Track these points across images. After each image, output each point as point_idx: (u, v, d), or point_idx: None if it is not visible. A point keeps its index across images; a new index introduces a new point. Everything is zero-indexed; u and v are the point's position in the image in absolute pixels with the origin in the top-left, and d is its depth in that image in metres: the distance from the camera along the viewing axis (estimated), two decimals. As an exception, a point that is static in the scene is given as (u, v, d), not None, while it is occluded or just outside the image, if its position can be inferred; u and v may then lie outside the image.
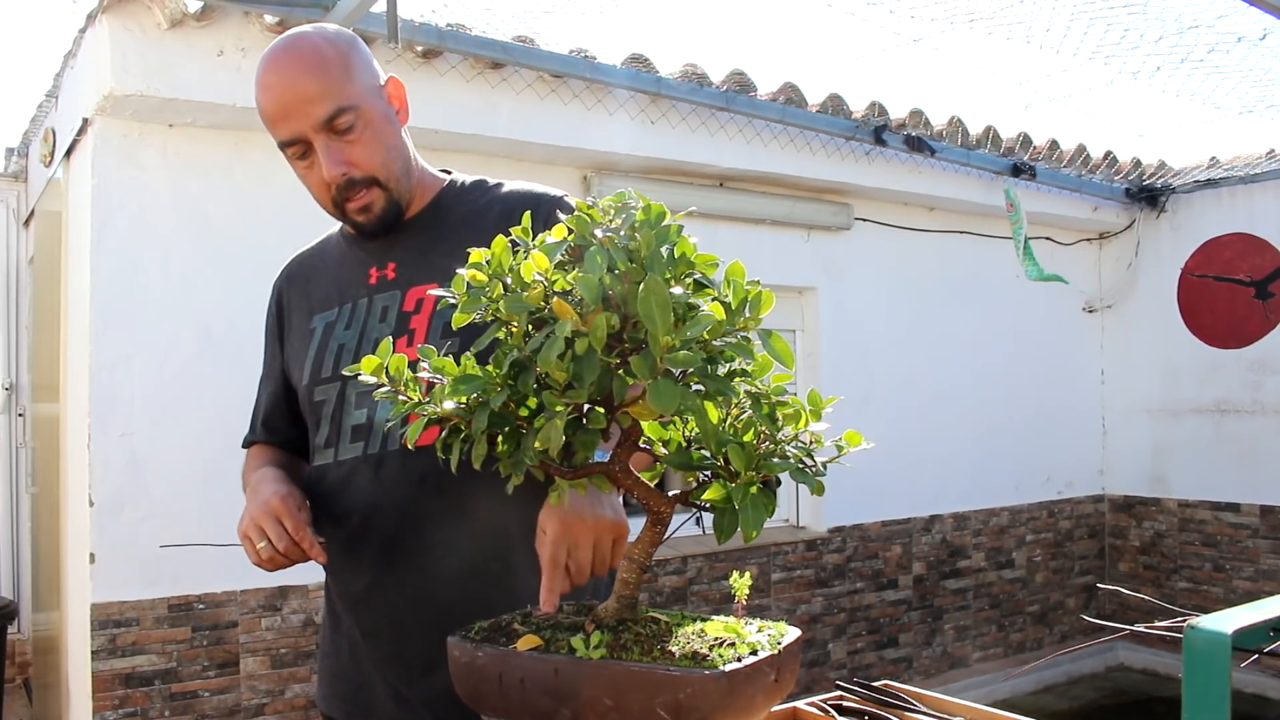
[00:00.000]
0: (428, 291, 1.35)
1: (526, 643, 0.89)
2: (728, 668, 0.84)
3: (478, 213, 1.43)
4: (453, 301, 0.91)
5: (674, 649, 0.88)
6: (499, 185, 1.50)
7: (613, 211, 0.87)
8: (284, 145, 1.33)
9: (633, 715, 0.84)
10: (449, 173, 1.55)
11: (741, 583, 1.06)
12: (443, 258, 1.33)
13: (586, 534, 1.13)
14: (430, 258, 1.39)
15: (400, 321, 1.37)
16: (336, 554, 1.38)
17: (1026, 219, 5.05)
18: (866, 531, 5.03)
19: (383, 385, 0.93)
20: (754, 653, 0.90)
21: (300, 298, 1.53)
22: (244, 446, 1.61)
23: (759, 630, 0.97)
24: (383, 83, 1.43)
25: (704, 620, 0.98)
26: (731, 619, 1.00)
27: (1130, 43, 3.68)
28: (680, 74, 3.95)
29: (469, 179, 1.53)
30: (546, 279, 0.87)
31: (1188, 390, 5.78)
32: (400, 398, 0.93)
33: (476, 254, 0.91)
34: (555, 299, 0.84)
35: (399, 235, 1.44)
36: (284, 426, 1.54)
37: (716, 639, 0.92)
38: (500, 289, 0.88)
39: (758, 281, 0.87)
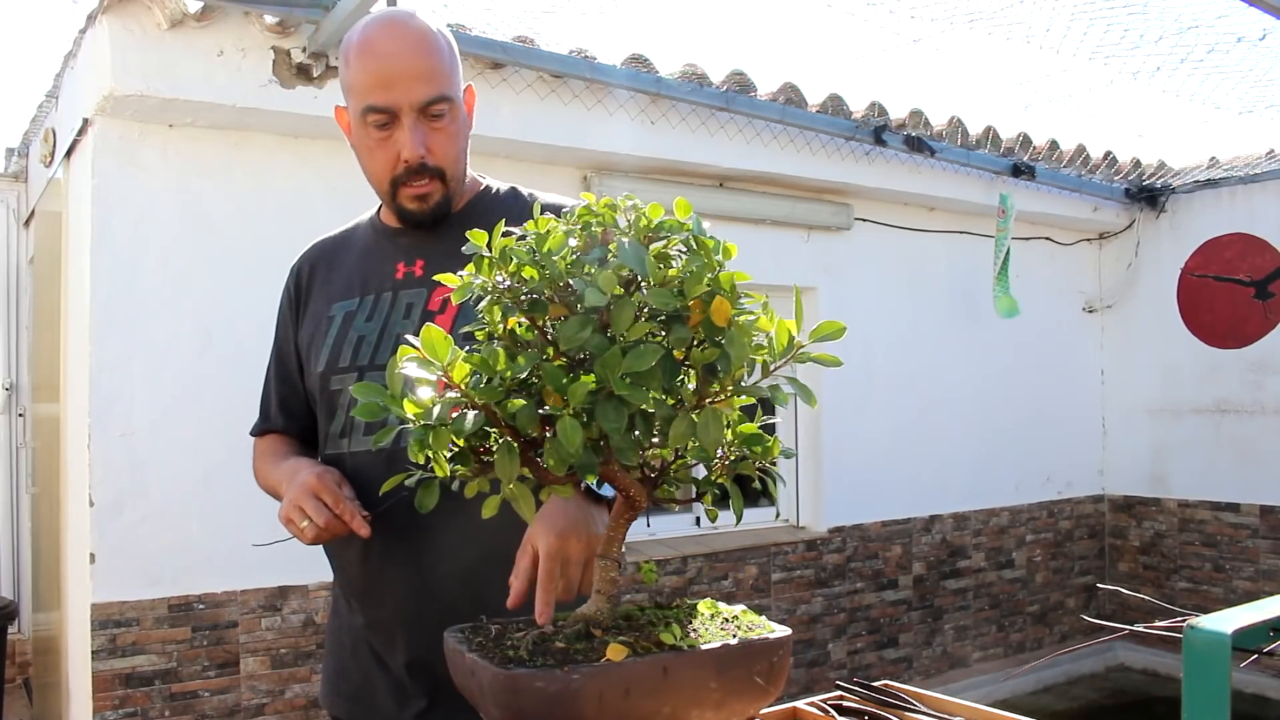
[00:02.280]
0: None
1: (617, 652, 0.85)
2: (783, 630, 0.91)
3: (511, 221, 1.44)
4: (473, 283, 0.89)
5: (711, 628, 0.92)
6: (532, 195, 1.52)
7: (634, 213, 0.87)
8: (370, 110, 1.34)
9: (732, 690, 0.87)
10: (484, 178, 1.57)
11: (648, 570, 1.06)
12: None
13: (580, 552, 1.13)
14: (461, 261, 1.39)
15: (423, 319, 1.38)
16: (342, 544, 1.38)
17: (1025, 223, 5.06)
18: (866, 531, 5.03)
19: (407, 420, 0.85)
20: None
21: (321, 284, 1.54)
22: (254, 434, 1.60)
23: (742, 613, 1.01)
24: (465, 88, 1.45)
25: (665, 609, 0.99)
26: (706, 600, 1.03)
27: (1130, 43, 3.68)
28: (680, 74, 3.95)
29: (504, 186, 1.56)
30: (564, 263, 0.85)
31: (1188, 390, 5.79)
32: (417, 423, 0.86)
33: (478, 235, 0.89)
34: (597, 273, 0.82)
35: (432, 234, 1.45)
36: (300, 413, 1.54)
37: (723, 615, 0.97)
38: (530, 268, 0.86)
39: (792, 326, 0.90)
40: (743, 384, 0.88)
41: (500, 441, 0.85)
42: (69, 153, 3.49)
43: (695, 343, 0.85)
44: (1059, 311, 5.95)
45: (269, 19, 3.07)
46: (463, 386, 0.83)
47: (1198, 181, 5.68)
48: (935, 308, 5.30)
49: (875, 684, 1.30)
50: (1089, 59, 3.85)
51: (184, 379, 3.24)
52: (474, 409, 0.83)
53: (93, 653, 3.09)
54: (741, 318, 0.86)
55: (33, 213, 4.63)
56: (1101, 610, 6.07)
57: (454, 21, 3.37)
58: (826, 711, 1.22)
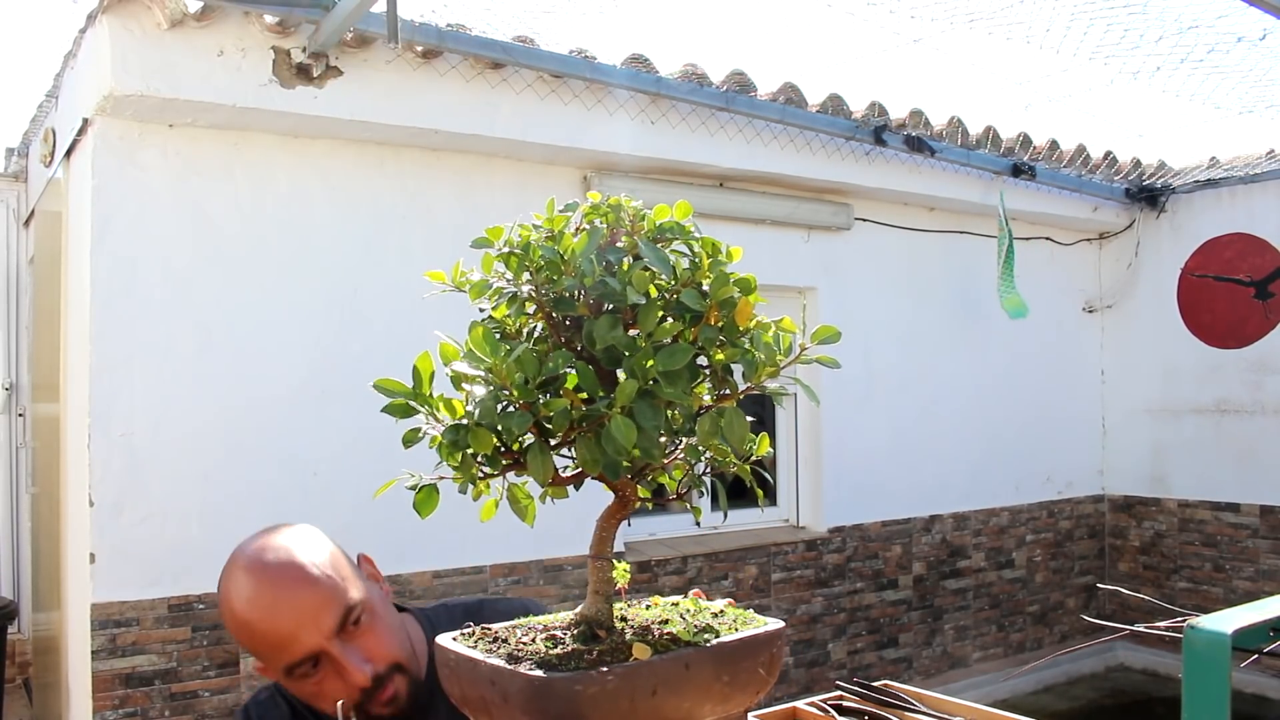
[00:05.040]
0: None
1: (643, 651, 0.84)
2: (776, 622, 0.93)
3: (476, 621, 1.37)
4: (489, 281, 0.88)
5: (710, 623, 0.94)
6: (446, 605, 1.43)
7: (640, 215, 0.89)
8: (292, 669, 1.21)
9: (738, 683, 0.89)
10: (403, 608, 1.43)
11: (622, 571, 1.06)
12: None
13: None
14: None
15: None
16: None
17: (1025, 223, 5.06)
18: (866, 531, 5.03)
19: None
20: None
21: None
22: None
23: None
24: (356, 561, 1.34)
25: (653, 607, 1.01)
26: (690, 597, 1.06)
27: (1130, 43, 3.68)
28: (680, 74, 3.95)
29: (438, 613, 1.42)
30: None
31: (1188, 390, 5.78)
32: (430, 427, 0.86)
33: (494, 231, 0.89)
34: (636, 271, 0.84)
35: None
36: None
37: (709, 610, 0.99)
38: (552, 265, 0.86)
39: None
40: (749, 384, 0.88)
41: (533, 442, 0.84)
42: (69, 152, 3.49)
43: (718, 343, 0.87)
44: (1059, 311, 5.95)
45: (269, 19, 3.07)
46: (511, 385, 0.82)
47: (1198, 181, 5.68)
48: (935, 308, 5.30)
49: (875, 684, 1.30)
50: (1089, 59, 3.85)
51: (184, 379, 3.24)
52: (522, 408, 0.82)
53: (93, 653, 3.09)
54: (760, 319, 0.88)
55: (33, 213, 4.63)
56: (1101, 610, 6.07)
57: (454, 21, 3.37)
58: (826, 711, 1.22)
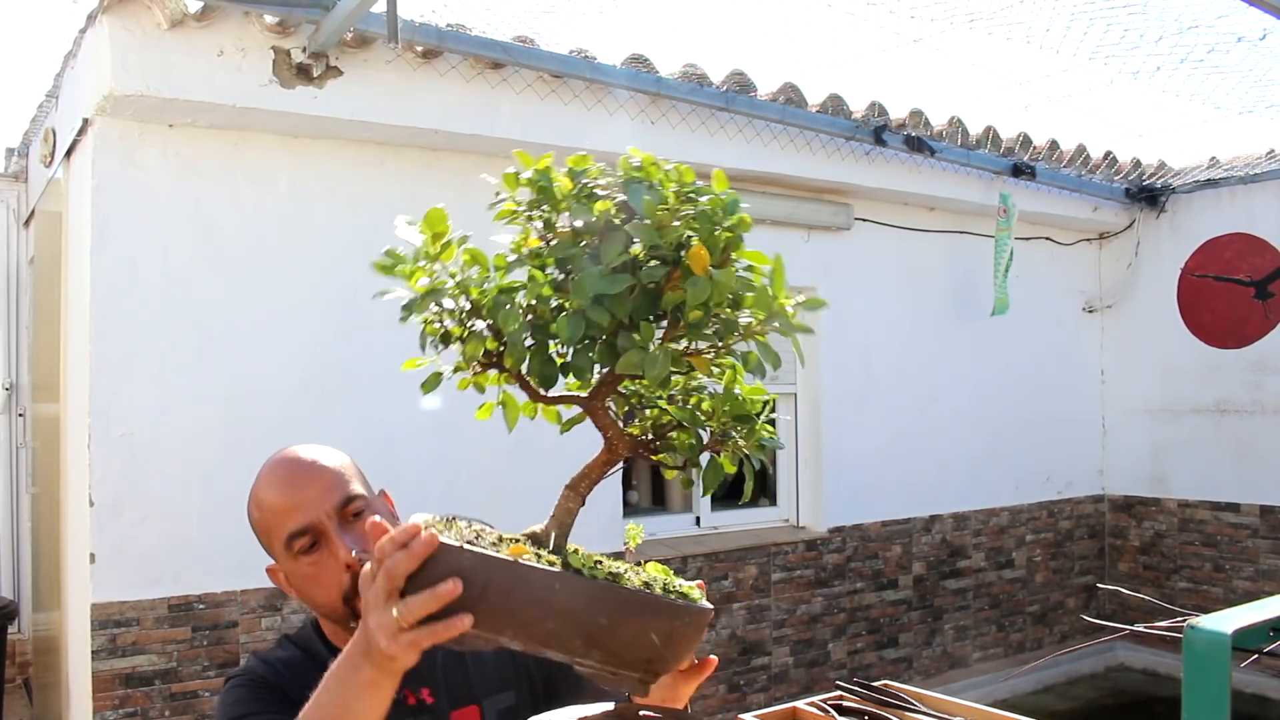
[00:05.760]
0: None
1: (517, 552, 0.86)
2: (708, 605, 0.91)
3: None
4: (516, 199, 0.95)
5: (648, 583, 0.92)
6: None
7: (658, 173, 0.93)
8: (292, 538, 1.29)
9: (621, 638, 0.85)
10: None
11: (634, 533, 1.07)
12: (474, 670, 1.37)
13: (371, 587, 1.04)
14: (462, 673, 1.38)
15: None
16: None
17: (1025, 223, 5.06)
18: (866, 531, 5.03)
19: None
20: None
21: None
22: None
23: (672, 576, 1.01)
24: (378, 493, 1.43)
25: (628, 566, 0.99)
26: (659, 564, 1.04)
27: (1130, 43, 3.68)
28: (680, 74, 3.95)
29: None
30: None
31: (1188, 390, 5.78)
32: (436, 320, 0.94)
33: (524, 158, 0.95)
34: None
35: None
36: None
37: (666, 581, 0.96)
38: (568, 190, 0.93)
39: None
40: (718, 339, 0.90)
41: (470, 328, 0.92)
42: (69, 153, 3.49)
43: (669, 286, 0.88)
44: (1059, 311, 5.95)
45: (269, 19, 3.07)
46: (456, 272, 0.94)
47: (1198, 181, 5.68)
48: (935, 307, 5.29)
49: (875, 684, 1.30)
50: (1089, 59, 3.85)
51: (184, 379, 3.24)
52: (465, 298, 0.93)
53: (93, 653, 3.09)
54: (727, 271, 0.88)
55: (33, 213, 4.64)
56: (1101, 610, 6.07)
57: (454, 21, 3.37)
58: (826, 711, 1.22)
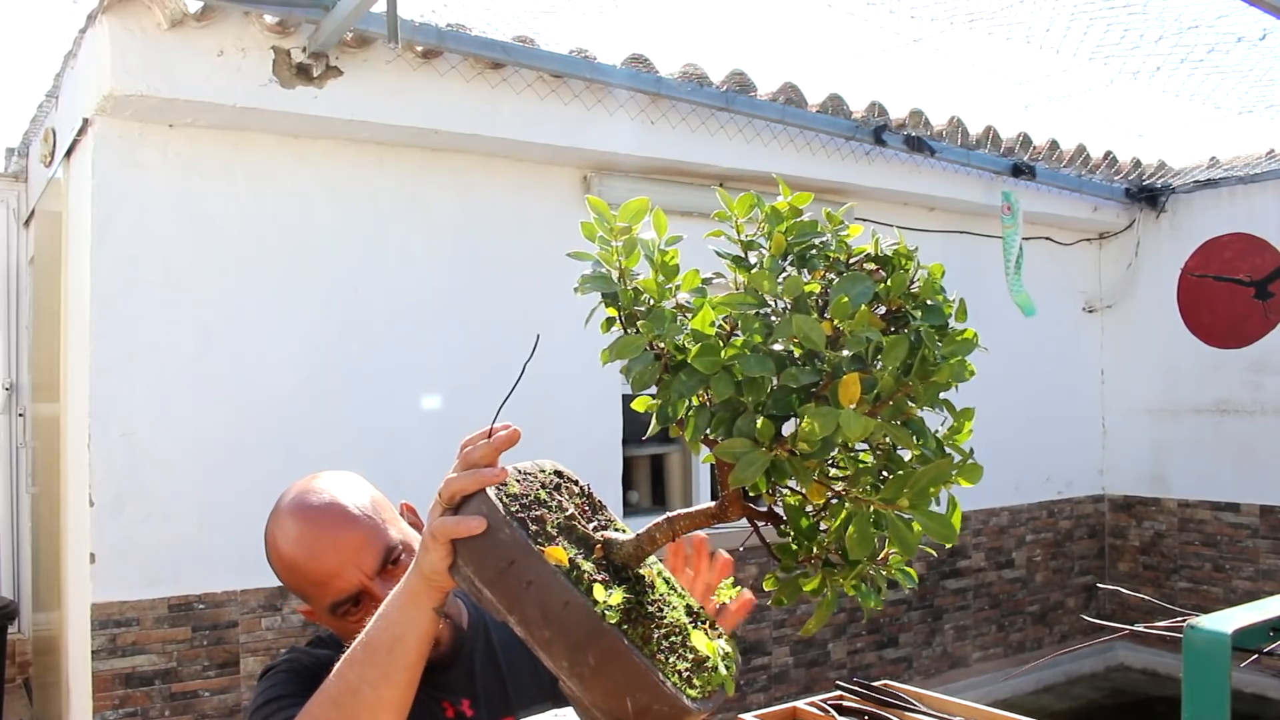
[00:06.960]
0: None
1: (554, 555, 0.87)
2: (698, 706, 0.87)
3: (491, 621, 1.40)
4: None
5: (663, 650, 0.89)
6: None
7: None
8: (336, 606, 1.23)
9: (601, 684, 0.85)
10: None
11: (727, 592, 1.07)
12: (510, 681, 1.35)
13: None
14: (499, 685, 1.36)
15: None
16: None
17: (1024, 223, 5.04)
18: (866, 531, 5.02)
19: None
20: (721, 687, 0.93)
21: None
22: None
23: (725, 656, 0.98)
24: (399, 507, 1.38)
25: (689, 614, 1.00)
26: (708, 634, 1.01)
27: (1130, 43, 3.68)
28: (680, 74, 3.95)
29: None
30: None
31: (1188, 390, 5.78)
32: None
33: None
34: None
35: (453, 663, 1.34)
36: None
37: (698, 659, 0.93)
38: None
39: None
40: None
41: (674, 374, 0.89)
42: (69, 153, 3.49)
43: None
44: (1059, 311, 5.94)
45: (269, 19, 3.07)
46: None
47: (1198, 181, 5.68)
48: (935, 308, 5.29)
49: (875, 684, 1.30)
50: (1089, 59, 3.85)
51: (184, 379, 3.24)
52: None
53: (93, 652, 3.09)
54: (886, 425, 0.79)
55: (33, 213, 4.63)
56: (1101, 610, 6.07)
57: (454, 21, 3.37)
58: (826, 711, 1.22)
